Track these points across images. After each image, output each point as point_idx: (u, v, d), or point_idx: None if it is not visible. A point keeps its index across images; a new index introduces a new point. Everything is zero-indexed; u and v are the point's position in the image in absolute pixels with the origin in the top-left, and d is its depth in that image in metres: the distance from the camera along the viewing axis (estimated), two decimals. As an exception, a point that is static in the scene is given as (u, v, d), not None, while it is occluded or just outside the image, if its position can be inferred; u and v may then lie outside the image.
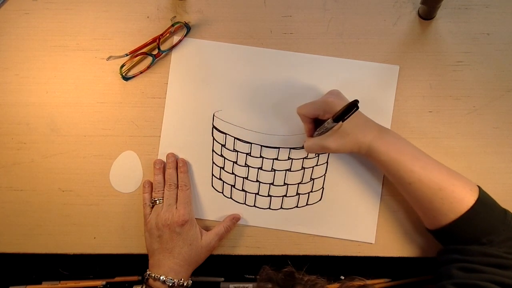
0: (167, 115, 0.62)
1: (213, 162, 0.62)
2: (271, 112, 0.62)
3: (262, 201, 0.62)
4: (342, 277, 0.68)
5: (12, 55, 0.63)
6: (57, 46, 0.63)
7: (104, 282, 0.66)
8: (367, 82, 0.61)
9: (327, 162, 0.61)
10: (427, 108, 0.61)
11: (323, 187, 0.62)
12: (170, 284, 0.55)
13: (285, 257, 0.61)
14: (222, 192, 0.62)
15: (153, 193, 0.60)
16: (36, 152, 0.62)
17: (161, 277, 0.55)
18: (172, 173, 0.60)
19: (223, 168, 0.62)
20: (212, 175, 0.62)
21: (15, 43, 0.63)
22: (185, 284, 0.56)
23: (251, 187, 0.62)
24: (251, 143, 0.61)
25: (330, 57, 0.62)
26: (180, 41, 0.62)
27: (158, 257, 0.57)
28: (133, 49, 0.62)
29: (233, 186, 0.62)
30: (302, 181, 0.61)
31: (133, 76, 0.62)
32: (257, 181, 0.62)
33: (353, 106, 0.46)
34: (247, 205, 0.62)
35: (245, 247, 0.62)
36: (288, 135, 0.61)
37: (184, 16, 0.63)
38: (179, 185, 0.60)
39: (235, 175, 0.62)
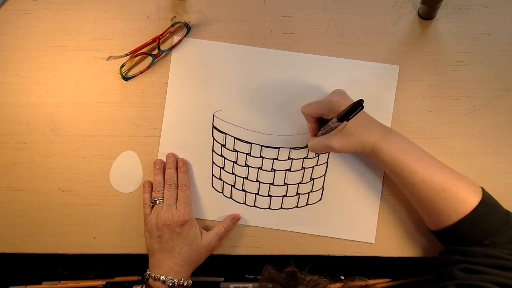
0: (167, 115, 0.62)
1: (213, 162, 0.62)
2: (271, 112, 0.62)
3: (262, 201, 0.62)
4: (342, 277, 0.68)
5: (12, 55, 0.63)
6: (57, 46, 0.63)
7: (104, 282, 0.66)
8: (367, 82, 0.61)
9: (327, 162, 0.61)
10: (427, 108, 0.61)
11: (323, 187, 0.62)
12: (170, 284, 0.55)
13: (287, 257, 0.61)
14: (222, 192, 0.62)
15: (153, 193, 0.60)
16: (36, 152, 0.62)
17: (161, 277, 0.55)
18: (172, 173, 0.60)
19: (223, 168, 0.62)
20: (212, 175, 0.62)
21: (15, 43, 0.63)
22: (185, 284, 0.56)
23: (251, 187, 0.62)
24: (251, 143, 0.61)
25: (330, 57, 0.62)
26: (180, 41, 0.62)
27: (158, 257, 0.57)
28: (133, 49, 0.62)
29: (233, 186, 0.62)
30: (302, 181, 0.61)
31: (133, 76, 0.62)
32: (257, 181, 0.62)
33: (358, 105, 0.46)
34: (247, 205, 0.62)
35: (245, 247, 0.62)
36: (288, 135, 0.61)
37: (184, 16, 0.63)
38: (179, 185, 0.60)
39: (235, 175, 0.62)
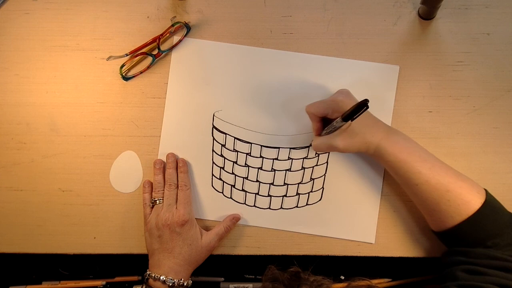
0: (167, 115, 0.62)
1: (213, 162, 0.62)
2: (271, 112, 0.62)
3: (262, 201, 0.62)
4: (342, 277, 0.68)
5: (12, 55, 0.63)
6: (57, 46, 0.63)
7: (104, 282, 0.66)
8: (367, 82, 0.61)
9: (327, 162, 0.61)
10: (427, 108, 0.61)
11: (323, 187, 0.62)
12: (170, 284, 0.55)
13: (290, 257, 0.61)
14: (222, 192, 0.62)
15: (153, 193, 0.60)
16: (36, 152, 0.62)
17: (161, 277, 0.55)
18: (172, 173, 0.60)
19: (223, 168, 0.62)
20: (212, 175, 0.62)
21: (15, 43, 0.63)
22: (185, 284, 0.56)
23: (251, 187, 0.62)
24: (251, 143, 0.61)
25: (330, 57, 0.62)
26: (180, 41, 0.62)
27: (158, 257, 0.57)
28: (133, 49, 0.62)
29: (233, 186, 0.62)
30: (302, 181, 0.61)
31: (133, 76, 0.62)
32: (257, 181, 0.62)
33: (363, 105, 0.46)
34: (247, 205, 0.62)
35: (245, 247, 0.62)
36: (288, 135, 0.61)
37: (184, 16, 0.63)
38: (179, 185, 0.60)
39: (235, 175, 0.62)
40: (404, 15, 0.62)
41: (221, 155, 0.62)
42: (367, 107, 0.46)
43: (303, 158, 0.61)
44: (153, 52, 0.61)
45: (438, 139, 0.61)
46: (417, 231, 0.61)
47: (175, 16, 0.62)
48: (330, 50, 0.62)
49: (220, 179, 0.62)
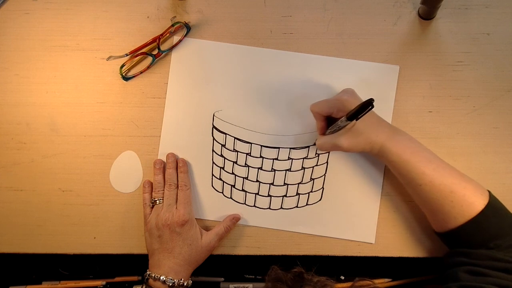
0: (167, 115, 0.62)
1: (213, 162, 0.62)
2: (271, 112, 0.62)
3: (262, 201, 0.62)
4: (342, 277, 0.68)
5: (12, 55, 0.63)
6: (57, 46, 0.63)
7: (104, 282, 0.66)
8: (367, 82, 0.61)
9: (327, 162, 0.61)
10: (427, 108, 0.61)
11: (323, 187, 0.62)
12: (170, 284, 0.55)
13: (293, 258, 0.61)
14: (222, 192, 0.62)
15: (153, 193, 0.60)
16: (36, 152, 0.62)
17: (161, 277, 0.55)
18: (172, 173, 0.60)
19: (223, 168, 0.62)
20: (212, 175, 0.62)
21: (15, 43, 0.63)
22: (185, 284, 0.56)
23: (251, 187, 0.62)
24: (251, 143, 0.61)
25: (330, 57, 0.62)
26: (180, 41, 0.62)
27: (158, 257, 0.57)
28: (133, 49, 0.62)
29: (233, 186, 0.62)
30: (302, 181, 0.61)
31: (133, 76, 0.62)
32: (257, 181, 0.62)
33: (368, 105, 0.46)
34: (247, 205, 0.62)
35: (245, 247, 0.62)
36: (288, 135, 0.61)
37: (184, 16, 0.63)
38: (179, 185, 0.60)
39: (235, 175, 0.62)
40: (404, 15, 0.62)
41: (221, 155, 0.62)
42: (372, 107, 0.46)
43: (303, 158, 0.61)
44: (153, 52, 0.61)
45: (438, 139, 0.61)
46: (417, 231, 0.61)
47: (175, 16, 0.62)
48: (330, 50, 0.62)
49: (220, 179, 0.62)
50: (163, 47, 0.62)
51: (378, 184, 0.61)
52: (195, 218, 0.60)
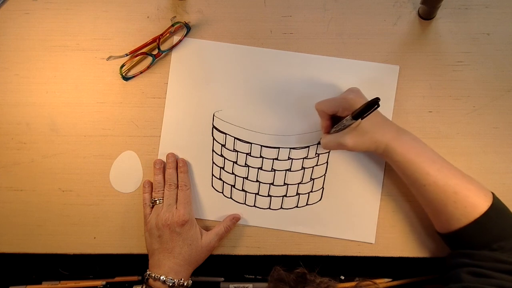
0: (167, 115, 0.62)
1: (213, 162, 0.62)
2: (271, 112, 0.62)
3: (262, 201, 0.62)
4: (342, 277, 0.68)
5: (12, 55, 0.63)
6: (57, 46, 0.63)
7: (104, 282, 0.66)
8: (367, 82, 0.61)
9: (327, 162, 0.61)
10: (427, 108, 0.61)
11: (323, 187, 0.62)
12: (170, 284, 0.55)
13: (295, 258, 0.61)
14: (222, 192, 0.62)
15: (153, 193, 0.60)
16: (36, 152, 0.62)
17: (161, 277, 0.55)
18: (172, 173, 0.60)
19: (223, 168, 0.62)
20: (212, 175, 0.62)
21: (15, 43, 0.63)
22: (185, 284, 0.56)
23: (251, 187, 0.62)
24: (251, 143, 0.61)
25: (330, 57, 0.62)
26: (180, 41, 0.62)
27: (158, 257, 0.57)
28: (133, 49, 0.62)
29: (233, 186, 0.62)
30: (302, 181, 0.61)
31: (133, 76, 0.62)
32: (257, 181, 0.62)
33: (373, 104, 0.46)
34: (247, 205, 0.62)
35: (245, 247, 0.62)
36: (288, 135, 0.61)
37: (184, 16, 0.63)
38: (179, 185, 0.60)
39: (235, 175, 0.62)
40: (404, 15, 0.62)
41: (221, 155, 0.62)
42: (378, 106, 0.46)
43: (303, 158, 0.61)
44: (153, 52, 0.61)
45: (438, 139, 0.61)
46: (417, 231, 0.61)
47: (175, 16, 0.62)
48: (330, 50, 0.62)
49: (220, 179, 0.62)
50: (163, 47, 0.62)
51: (378, 184, 0.61)
52: (195, 218, 0.60)
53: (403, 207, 0.61)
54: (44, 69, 0.63)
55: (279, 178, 0.61)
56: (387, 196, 0.61)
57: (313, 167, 0.61)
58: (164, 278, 0.55)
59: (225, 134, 0.61)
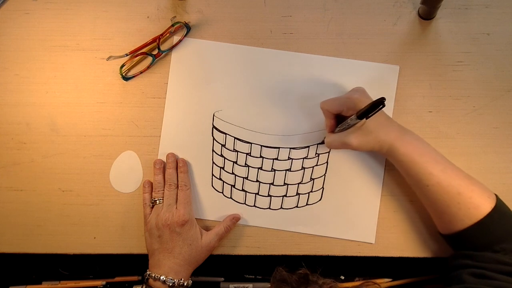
0: (167, 115, 0.62)
1: (213, 162, 0.62)
2: (271, 112, 0.62)
3: (262, 201, 0.62)
4: (342, 277, 0.68)
5: (12, 55, 0.63)
6: (57, 46, 0.63)
7: (104, 282, 0.67)
8: (367, 82, 0.61)
9: (327, 162, 0.61)
10: (427, 108, 0.61)
11: (323, 187, 0.62)
12: (170, 284, 0.55)
13: (297, 259, 0.61)
14: (222, 192, 0.62)
15: (153, 193, 0.60)
16: (36, 152, 0.62)
17: (161, 277, 0.55)
18: (172, 173, 0.60)
19: (223, 168, 0.62)
20: (212, 175, 0.62)
21: (15, 43, 0.63)
22: (185, 284, 0.56)
23: (251, 187, 0.62)
24: (251, 143, 0.61)
25: (330, 57, 0.62)
26: (180, 41, 0.62)
27: (158, 257, 0.57)
28: (133, 49, 0.62)
29: (233, 186, 0.62)
30: (302, 181, 0.61)
31: (133, 76, 0.62)
32: (257, 181, 0.62)
33: (378, 103, 0.46)
34: (247, 205, 0.62)
35: (245, 247, 0.62)
36: (288, 135, 0.61)
37: (184, 16, 0.63)
38: (179, 185, 0.60)
39: (235, 175, 0.62)
40: (404, 15, 0.62)
41: (221, 155, 0.62)
42: (383, 106, 0.46)
43: (303, 158, 0.61)
44: (153, 52, 0.61)
45: (438, 139, 0.61)
46: (417, 231, 0.61)
47: (175, 16, 0.62)
48: (330, 50, 0.62)
49: (220, 179, 0.62)
50: (163, 47, 0.62)
51: (378, 184, 0.61)
52: (195, 218, 0.60)
53: (403, 207, 0.61)
54: (44, 69, 0.63)
55: (279, 178, 0.61)
56: (387, 196, 0.61)
57: (313, 167, 0.61)
58: (164, 278, 0.55)
59: (225, 134, 0.61)
